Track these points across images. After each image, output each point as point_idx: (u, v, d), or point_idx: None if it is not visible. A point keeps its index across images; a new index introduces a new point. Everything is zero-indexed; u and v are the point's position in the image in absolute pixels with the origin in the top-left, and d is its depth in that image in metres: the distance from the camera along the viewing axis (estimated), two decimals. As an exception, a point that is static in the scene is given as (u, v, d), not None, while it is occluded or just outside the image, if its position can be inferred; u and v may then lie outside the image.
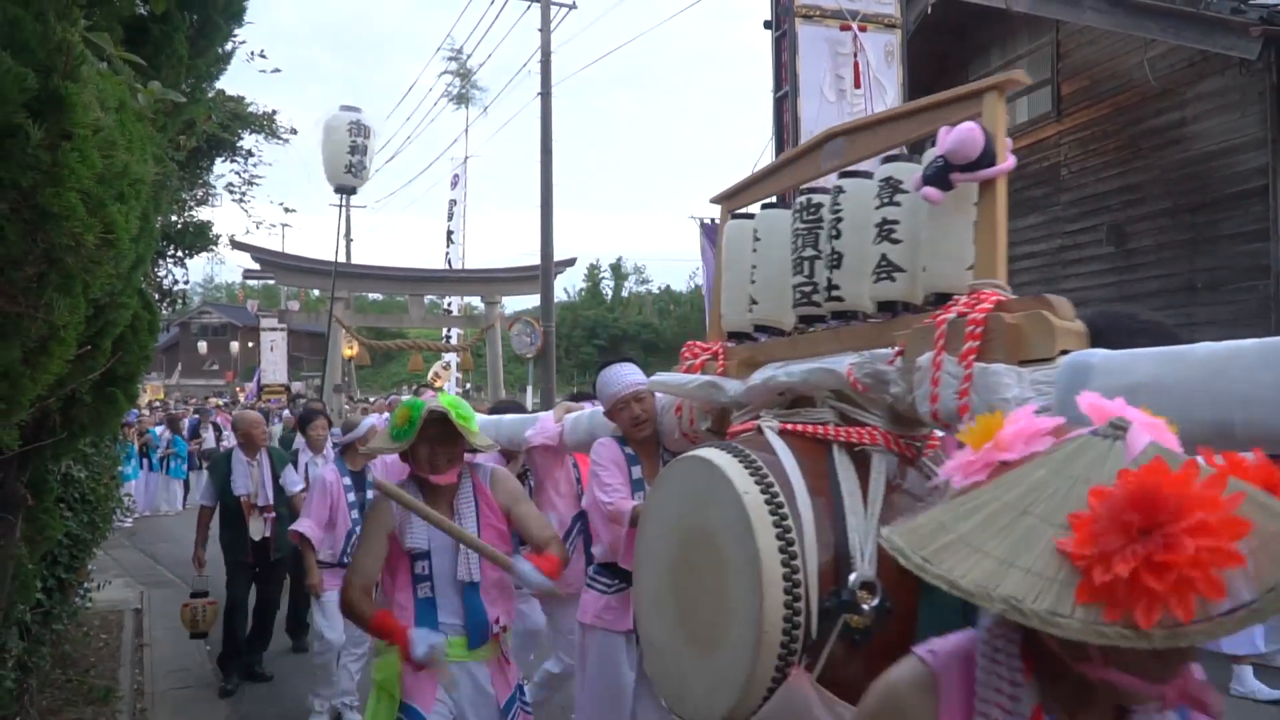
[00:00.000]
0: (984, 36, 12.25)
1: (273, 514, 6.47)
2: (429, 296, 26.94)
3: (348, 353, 23.34)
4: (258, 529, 6.41)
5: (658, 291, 60.53)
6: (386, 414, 9.42)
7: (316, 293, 29.08)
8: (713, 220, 12.68)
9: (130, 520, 13.77)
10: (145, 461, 15.90)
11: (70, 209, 1.84)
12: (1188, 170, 9.45)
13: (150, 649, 7.05)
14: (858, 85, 8.25)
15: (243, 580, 6.54)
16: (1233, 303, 8.90)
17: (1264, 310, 8.46)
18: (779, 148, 8.22)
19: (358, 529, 5.34)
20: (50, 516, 4.22)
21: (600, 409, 3.95)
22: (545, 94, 17.36)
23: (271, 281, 33.59)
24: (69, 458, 4.76)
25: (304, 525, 5.60)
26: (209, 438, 18.10)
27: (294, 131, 8.54)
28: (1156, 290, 9.84)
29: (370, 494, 5.58)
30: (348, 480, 5.78)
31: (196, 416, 19.68)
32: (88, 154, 1.87)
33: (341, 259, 24.73)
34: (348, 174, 18.37)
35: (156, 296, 6.90)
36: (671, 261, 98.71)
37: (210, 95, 6.20)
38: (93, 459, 5.48)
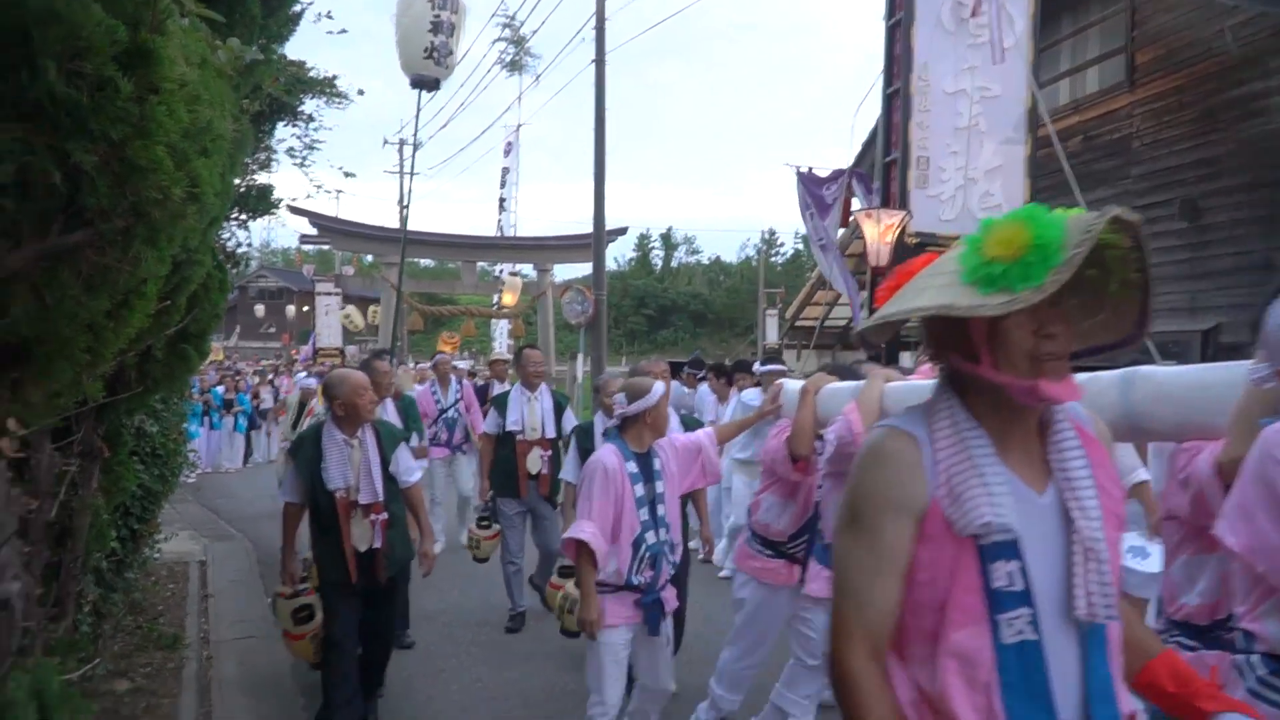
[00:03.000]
0: (1053, 3, 11.92)
1: (383, 515, 4.64)
2: (481, 263, 27.09)
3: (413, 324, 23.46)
4: (363, 537, 4.57)
5: (708, 262, 60.28)
6: (419, 385, 9.46)
7: (370, 258, 29.39)
8: (810, 169, 12.52)
9: (194, 476, 14.12)
10: (207, 419, 16.29)
11: (158, 162, 1.85)
12: (1268, 144, 9.13)
13: (214, 600, 7.24)
14: (975, 13, 8.13)
15: (344, 610, 4.64)
16: (1311, 281, 8.62)
17: (1344, 289, 8.18)
18: (888, 80, 8.32)
19: (650, 535, 3.94)
20: (125, 469, 4.33)
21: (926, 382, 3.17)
22: (599, 62, 17.25)
23: (327, 247, 34.04)
24: (142, 412, 4.88)
25: (585, 530, 3.86)
26: (267, 398, 18.48)
27: (361, 92, 8.58)
28: (1231, 268, 9.55)
29: (661, 485, 4.04)
30: (633, 466, 4.01)
31: (256, 378, 20.08)
32: (174, 108, 1.88)
33: (395, 225, 24.93)
34: (427, 59, 12.27)
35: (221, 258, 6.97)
36: (722, 232, 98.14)
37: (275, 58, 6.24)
38: (163, 414, 5.62)
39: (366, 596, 4.67)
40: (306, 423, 8.43)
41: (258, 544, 9.15)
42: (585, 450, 5.55)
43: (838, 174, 11.38)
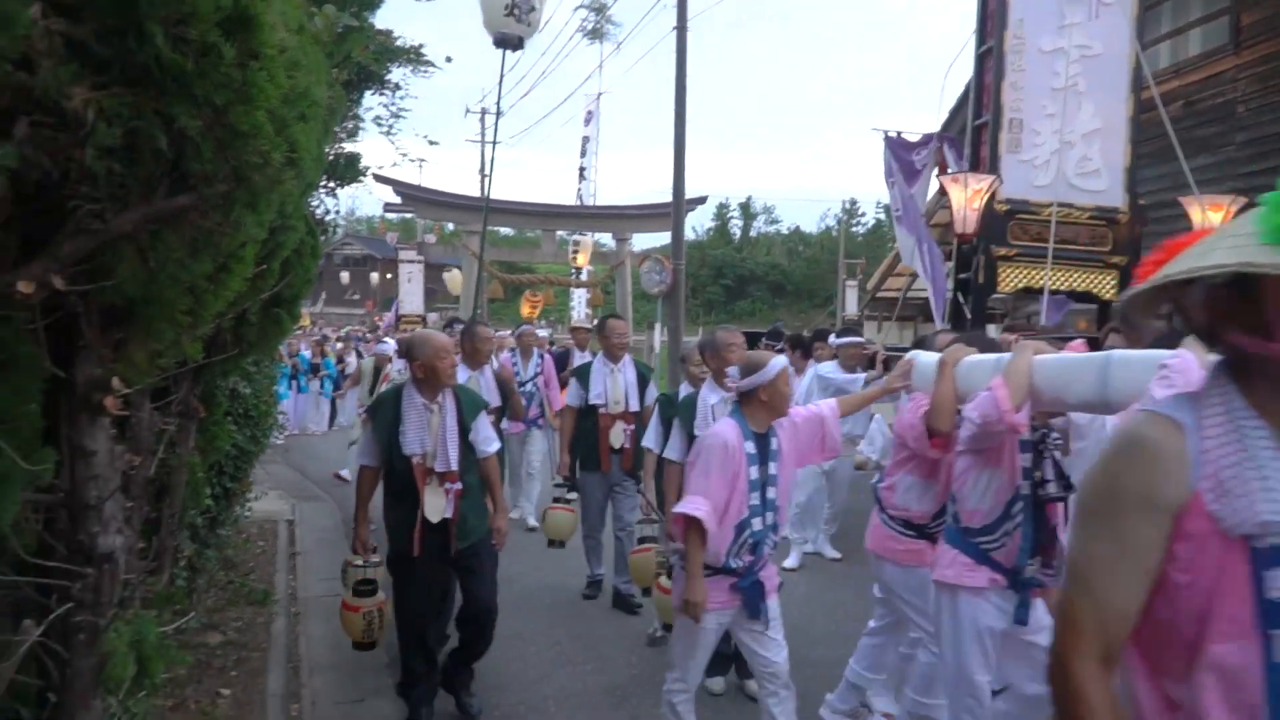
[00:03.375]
0: (1157, -38, 11.40)
1: (458, 484, 4.44)
2: (560, 232, 27.22)
3: (494, 293, 23.64)
4: (436, 507, 4.37)
5: (787, 232, 59.62)
6: (507, 351, 9.37)
7: (451, 226, 29.74)
8: (899, 134, 12.17)
9: (282, 438, 14.54)
10: (295, 383, 16.74)
11: (258, 127, 1.90)
12: (1385, 107, 8.64)
13: (302, 557, 7.47)
14: None
15: (414, 583, 4.52)
16: None
17: None
18: (981, 38, 7.97)
19: (756, 521, 3.75)
20: (219, 429, 4.49)
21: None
22: (680, 29, 17.04)
23: (410, 215, 34.56)
24: (237, 374, 5.03)
25: (700, 507, 3.63)
26: (352, 363, 18.92)
27: (449, 59, 8.65)
28: (1340, 239, 9.10)
29: (775, 467, 3.80)
30: (750, 446, 3.74)
31: (340, 343, 20.55)
32: (275, 74, 1.92)
33: (475, 193, 25.17)
34: (508, 16, 10.40)
35: (310, 224, 7.12)
36: (802, 201, 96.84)
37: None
38: (256, 377, 5.78)
39: (447, 570, 4.57)
40: (383, 388, 8.51)
41: (343, 505, 9.37)
42: (667, 420, 5.48)
43: (928, 139, 10.99)
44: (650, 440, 5.63)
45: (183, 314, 2.25)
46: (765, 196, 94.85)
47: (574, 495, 6.69)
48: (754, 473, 3.72)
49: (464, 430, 4.48)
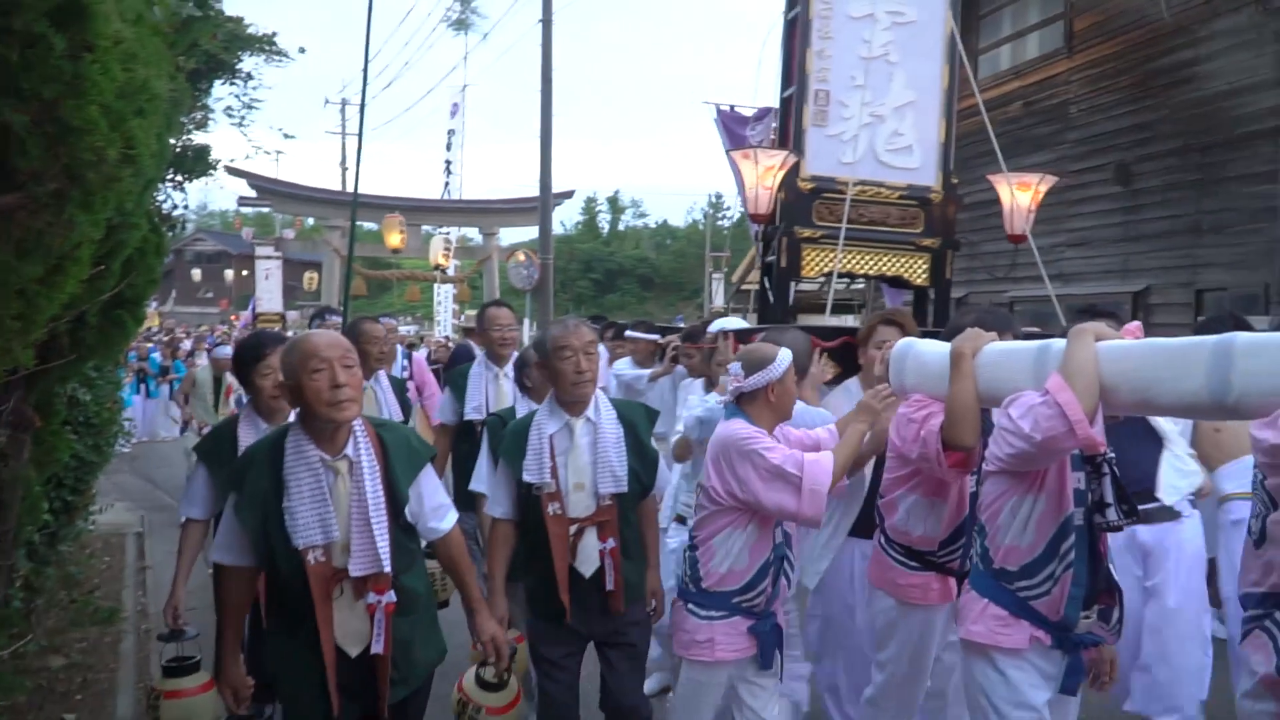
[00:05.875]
0: (996, -31, 12.02)
1: (388, 594, 2.73)
2: (425, 227, 26.75)
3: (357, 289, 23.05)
4: (352, 634, 2.69)
5: (655, 226, 60.19)
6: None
7: (312, 221, 28.85)
8: (732, 107, 11.62)
9: (129, 446, 13.83)
10: (143, 387, 15.94)
11: (92, 122, 1.80)
12: (1198, 110, 9.34)
13: (152, 571, 7.12)
14: None
15: None
16: (1238, 245, 8.86)
17: (1269, 253, 8.43)
18: (790, 2, 7.14)
19: (778, 533, 3.15)
20: (57, 439, 4.24)
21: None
22: (546, 21, 17.02)
23: (267, 209, 33.30)
24: (75, 380, 4.76)
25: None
26: (203, 363, 18.11)
27: (302, 50, 8.34)
28: (1162, 231, 9.79)
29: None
30: None
31: (191, 343, 19.65)
32: (109, 66, 1.83)
33: (337, 187, 24.48)
34: None
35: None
36: (669, 195, 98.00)
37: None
38: (97, 383, 5.49)
39: None
40: (229, 405, 7.79)
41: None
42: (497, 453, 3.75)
43: (763, 112, 10.29)
44: (481, 482, 3.89)
45: (12, 319, 2.12)
46: (633, 190, 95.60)
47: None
48: None
49: (395, 500, 2.70)
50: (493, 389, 4.96)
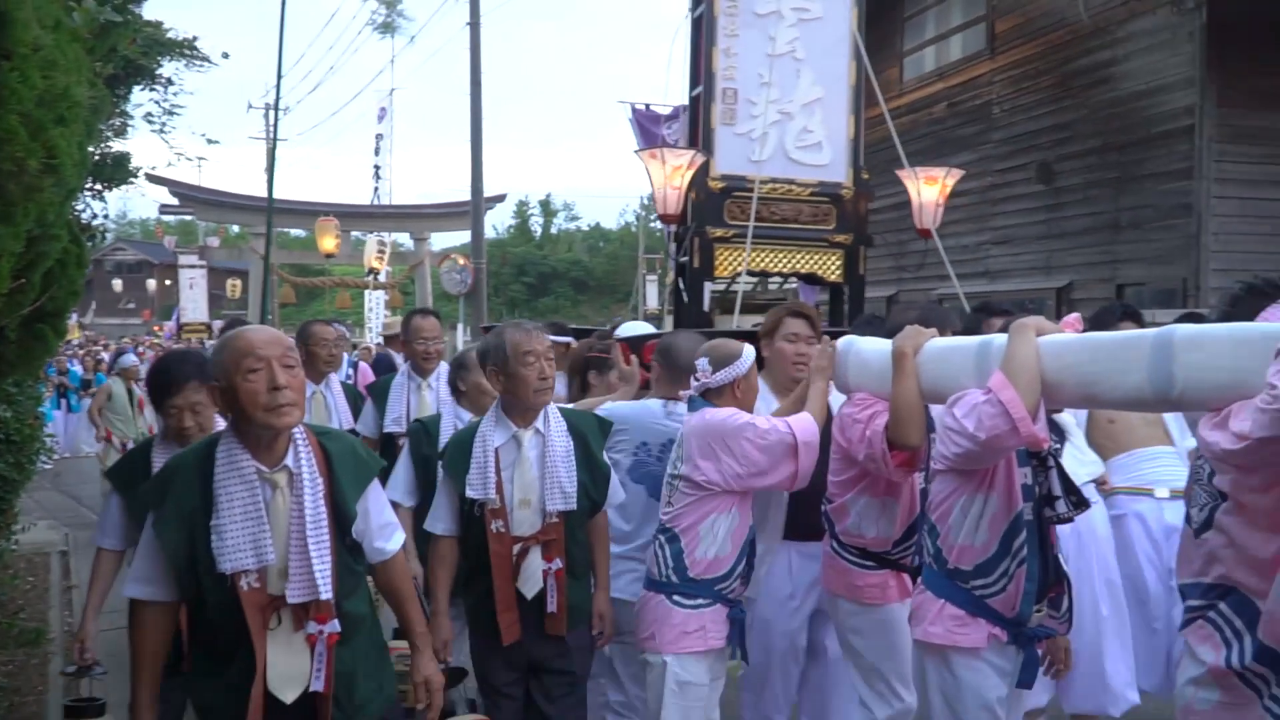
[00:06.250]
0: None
1: (332, 624, 2.41)
2: (355, 233, 26.40)
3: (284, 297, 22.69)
4: (290, 672, 2.35)
5: (587, 228, 60.16)
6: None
7: (237, 228, 28.29)
8: (647, 106, 11.82)
9: (51, 462, 13.40)
10: (64, 402, 15.46)
11: (11, 132, 1.74)
12: (1116, 109, 9.65)
13: (78, 590, 6.91)
14: None
15: None
16: (1156, 241, 9.17)
17: (1186, 249, 8.74)
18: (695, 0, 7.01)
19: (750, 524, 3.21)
20: (-23, 458, 4.09)
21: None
22: (474, 24, 16.91)
23: (189, 217, 32.55)
24: (-6, 397, 4.61)
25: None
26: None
27: (226, 55, 8.17)
28: (1082, 229, 10.09)
29: None
30: None
31: (111, 355, 19.10)
32: (29, 74, 1.77)
33: (262, 193, 23.99)
34: None
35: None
36: (602, 198, 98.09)
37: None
38: (17, 398, 5.32)
39: None
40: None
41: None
42: (422, 460, 3.75)
43: (680, 110, 10.09)
44: (399, 490, 3.68)
45: (-72, 336, 2.04)
46: (565, 193, 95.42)
47: None
48: None
49: (341, 517, 2.41)
50: (415, 400, 4.80)
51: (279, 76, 7.20)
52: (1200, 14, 8.57)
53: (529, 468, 3.06)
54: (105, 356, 18.56)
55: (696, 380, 3.13)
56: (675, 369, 3.42)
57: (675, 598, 3.04)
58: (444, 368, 4.78)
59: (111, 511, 3.20)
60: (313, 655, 2.32)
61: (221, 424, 2.85)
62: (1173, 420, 4.02)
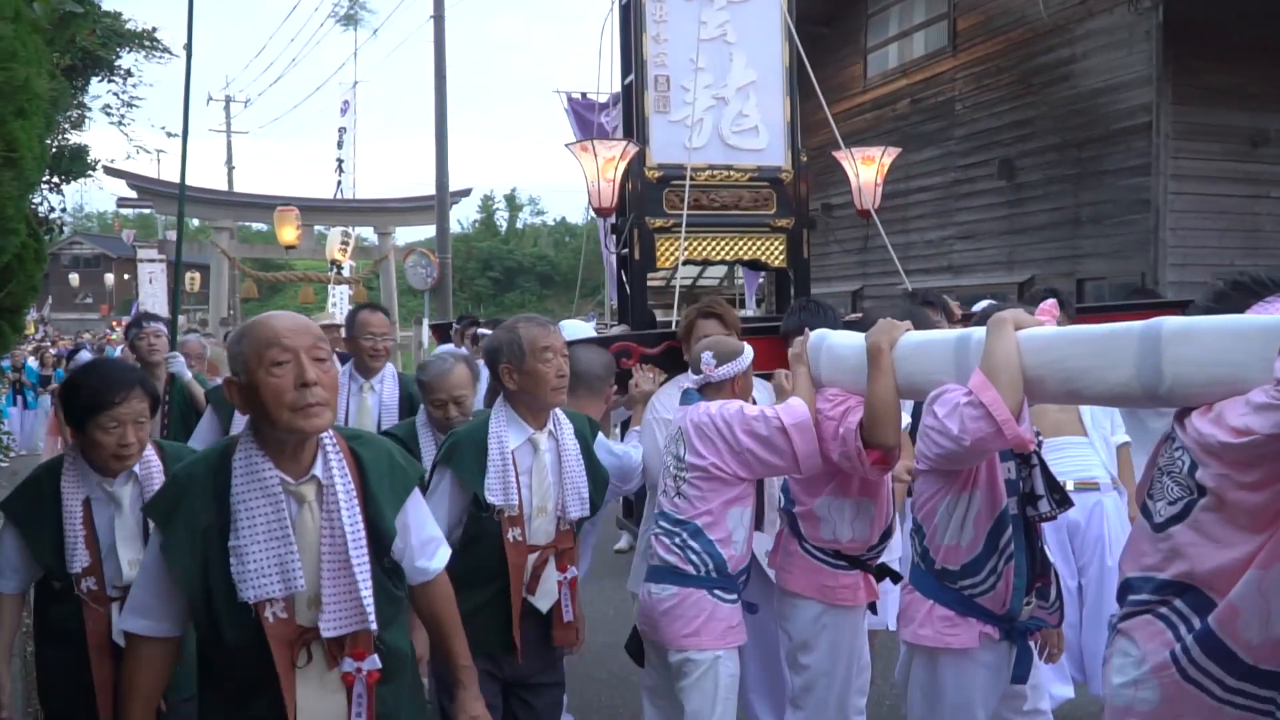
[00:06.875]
0: (883, -31, 12.35)
1: (370, 660, 2.06)
2: (319, 227, 26.10)
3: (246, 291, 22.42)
4: (327, 712, 2.03)
5: (553, 223, 59.96)
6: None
7: (197, 222, 27.88)
8: (584, 94, 11.73)
9: (8, 460, 13.14)
10: (20, 398, 15.18)
11: (-30, 125, 1.71)
12: (1076, 106, 9.77)
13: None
14: None
15: None
16: (1115, 236, 9.32)
17: (1145, 244, 8.88)
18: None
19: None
20: (-68, 457, 4.01)
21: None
22: (438, 16, 16.80)
23: (148, 210, 32.06)
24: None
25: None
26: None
27: (186, 47, 8.06)
28: (1044, 224, 10.22)
29: None
30: None
31: (69, 348, 18.77)
32: (-13, 65, 1.73)
33: (223, 187, 23.71)
34: None
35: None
36: (567, 193, 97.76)
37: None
38: (-27, 396, 5.20)
39: None
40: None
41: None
42: None
43: (617, 98, 9.45)
44: None
45: (-117, 333, 2.00)
46: (530, 187, 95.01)
47: None
48: None
49: (379, 534, 2.08)
50: (354, 403, 4.34)
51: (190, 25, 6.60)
52: (1157, 13, 8.70)
53: (546, 473, 2.91)
54: (55, 351, 18.24)
55: (699, 373, 3.19)
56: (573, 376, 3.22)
57: (716, 592, 3.04)
58: (390, 370, 4.49)
59: (6, 550, 2.69)
60: (350, 697, 1.99)
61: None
62: (1087, 410, 4.04)
